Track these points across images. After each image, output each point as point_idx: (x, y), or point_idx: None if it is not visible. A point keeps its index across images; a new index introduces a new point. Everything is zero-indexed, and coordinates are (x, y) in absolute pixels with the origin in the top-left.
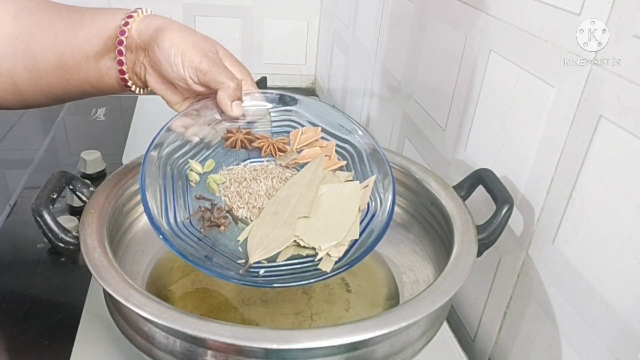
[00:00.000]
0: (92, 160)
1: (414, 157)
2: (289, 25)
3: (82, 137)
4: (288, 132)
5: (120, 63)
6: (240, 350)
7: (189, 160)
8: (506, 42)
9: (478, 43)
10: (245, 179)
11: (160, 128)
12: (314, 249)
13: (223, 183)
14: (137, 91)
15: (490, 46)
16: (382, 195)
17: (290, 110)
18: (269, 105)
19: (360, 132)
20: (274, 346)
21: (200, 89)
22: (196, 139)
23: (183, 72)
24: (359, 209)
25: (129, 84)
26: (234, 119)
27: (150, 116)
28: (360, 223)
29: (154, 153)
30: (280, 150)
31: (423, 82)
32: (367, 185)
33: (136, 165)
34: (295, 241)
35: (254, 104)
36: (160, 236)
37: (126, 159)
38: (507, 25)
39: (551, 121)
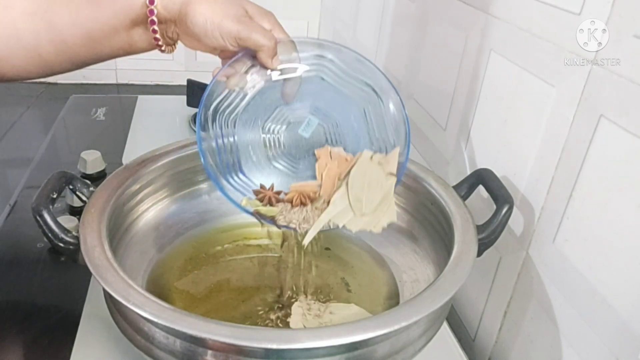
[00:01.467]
0: (92, 160)
1: (414, 157)
2: (289, 25)
3: (82, 137)
4: (318, 72)
5: (155, 38)
6: (240, 350)
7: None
8: (507, 42)
9: (479, 43)
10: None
11: (210, 82)
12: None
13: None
14: (167, 51)
15: (491, 46)
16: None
17: (321, 56)
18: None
19: (392, 94)
20: (274, 346)
21: (237, 49)
22: (237, 89)
23: (223, 42)
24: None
25: (163, 48)
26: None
27: (151, 116)
28: None
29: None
30: (309, 197)
31: (423, 81)
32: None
33: (136, 165)
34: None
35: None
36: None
37: (126, 159)
38: (508, 25)
39: (551, 121)
